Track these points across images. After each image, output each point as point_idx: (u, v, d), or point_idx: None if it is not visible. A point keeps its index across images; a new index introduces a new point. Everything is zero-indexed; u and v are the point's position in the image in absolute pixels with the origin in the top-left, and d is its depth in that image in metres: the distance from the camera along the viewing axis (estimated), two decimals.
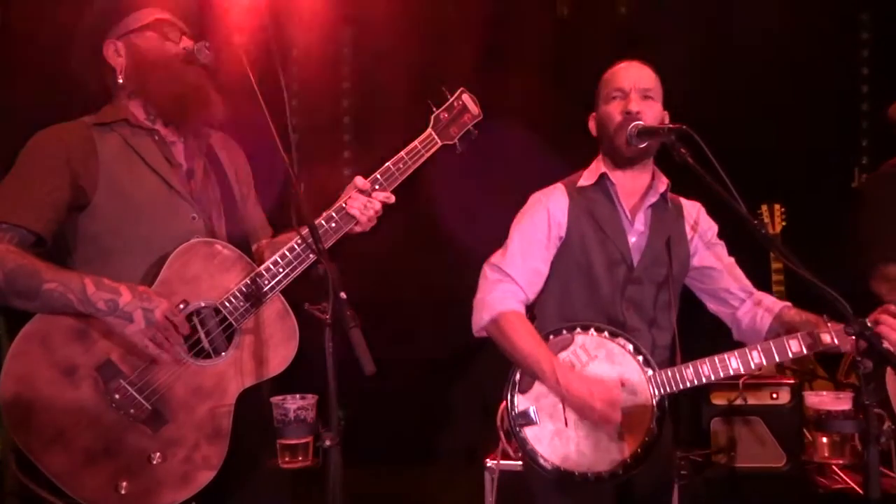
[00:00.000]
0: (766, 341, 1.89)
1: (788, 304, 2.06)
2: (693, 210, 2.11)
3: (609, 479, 1.87)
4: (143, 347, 1.60)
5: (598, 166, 2.07)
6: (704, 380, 1.88)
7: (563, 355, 1.93)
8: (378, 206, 1.80)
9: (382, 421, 4.14)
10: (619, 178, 2.03)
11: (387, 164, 1.84)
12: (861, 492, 2.95)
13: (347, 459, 1.63)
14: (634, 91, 1.97)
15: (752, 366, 1.87)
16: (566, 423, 1.90)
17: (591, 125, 2.09)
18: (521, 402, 1.94)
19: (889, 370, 2.97)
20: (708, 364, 1.89)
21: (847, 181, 4.29)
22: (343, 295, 1.45)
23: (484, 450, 3.22)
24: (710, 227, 2.11)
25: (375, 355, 1.42)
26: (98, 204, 1.69)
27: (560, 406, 1.90)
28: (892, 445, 2.02)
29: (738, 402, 3.23)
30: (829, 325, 1.83)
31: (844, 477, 3.11)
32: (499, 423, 2.22)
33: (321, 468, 1.42)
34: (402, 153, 1.86)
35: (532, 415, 1.92)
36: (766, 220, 3.91)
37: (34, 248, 1.65)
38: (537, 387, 1.93)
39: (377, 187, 1.81)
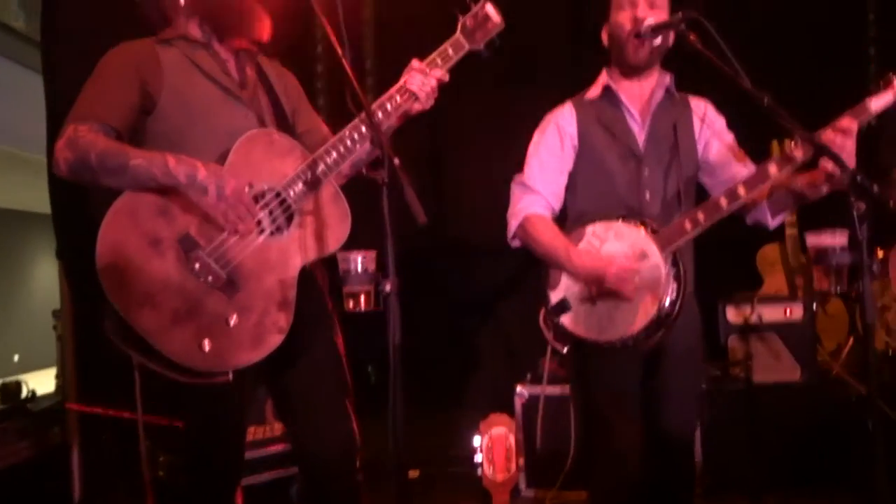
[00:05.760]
0: (749, 174, 2.09)
1: None
2: (701, 104, 2.29)
3: (644, 337, 2.06)
4: (215, 218, 1.81)
5: (602, 79, 2.26)
6: (701, 227, 2.06)
7: (581, 245, 2.14)
8: (434, 83, 1.98)
9: (410, 371, 4.28)
10: (624, 87, 2.22)
11: (420, 64, 2.00)
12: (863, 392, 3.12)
13: (377, 412, 1.83)
14: (642, 1, 2.16)
15: (741, 199, 2.05)
16: (594, 302, 2.10)
17: (604, 36, 2.27)
18: (553, 296, 2.15)
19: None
20: (701, 210, 2.07)
21: None
22: (397, 161, 1.65)
23: (509, 392, 3.42)
24: (718, 118, 2.28)
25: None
26: (162, 107, 1.91)
27: (585, 288, 2.11)
28: None
29: (754, 319, 3.42)
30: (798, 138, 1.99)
31: (857, 385, 3.29)
32: (542, 325, 2.37)
33: (382, 312, 1.63)
34: (433, 55, 2.02)
35: (565, 303, 2.13)
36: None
37: None
38: (563, 278, 2.14)
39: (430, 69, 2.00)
